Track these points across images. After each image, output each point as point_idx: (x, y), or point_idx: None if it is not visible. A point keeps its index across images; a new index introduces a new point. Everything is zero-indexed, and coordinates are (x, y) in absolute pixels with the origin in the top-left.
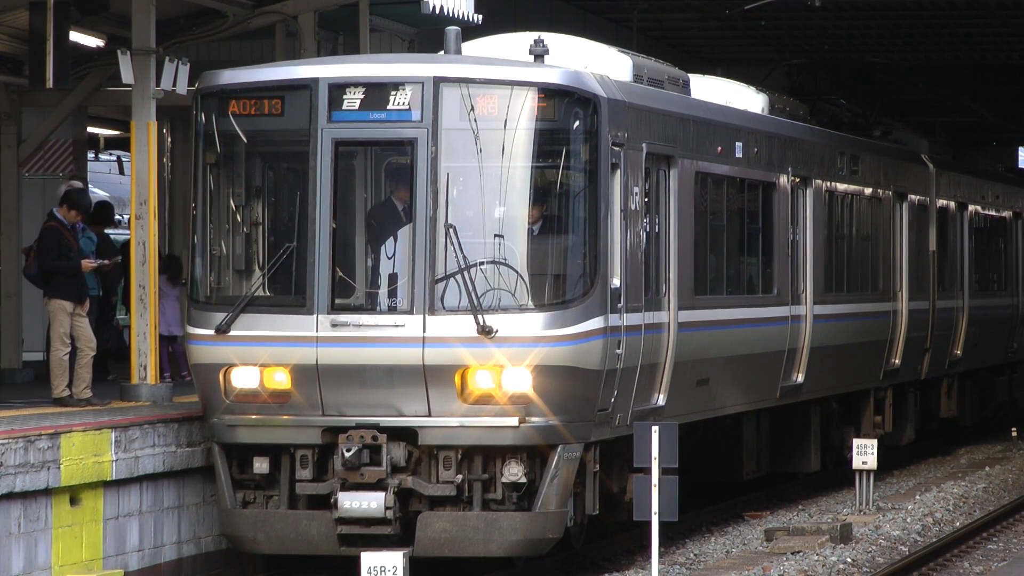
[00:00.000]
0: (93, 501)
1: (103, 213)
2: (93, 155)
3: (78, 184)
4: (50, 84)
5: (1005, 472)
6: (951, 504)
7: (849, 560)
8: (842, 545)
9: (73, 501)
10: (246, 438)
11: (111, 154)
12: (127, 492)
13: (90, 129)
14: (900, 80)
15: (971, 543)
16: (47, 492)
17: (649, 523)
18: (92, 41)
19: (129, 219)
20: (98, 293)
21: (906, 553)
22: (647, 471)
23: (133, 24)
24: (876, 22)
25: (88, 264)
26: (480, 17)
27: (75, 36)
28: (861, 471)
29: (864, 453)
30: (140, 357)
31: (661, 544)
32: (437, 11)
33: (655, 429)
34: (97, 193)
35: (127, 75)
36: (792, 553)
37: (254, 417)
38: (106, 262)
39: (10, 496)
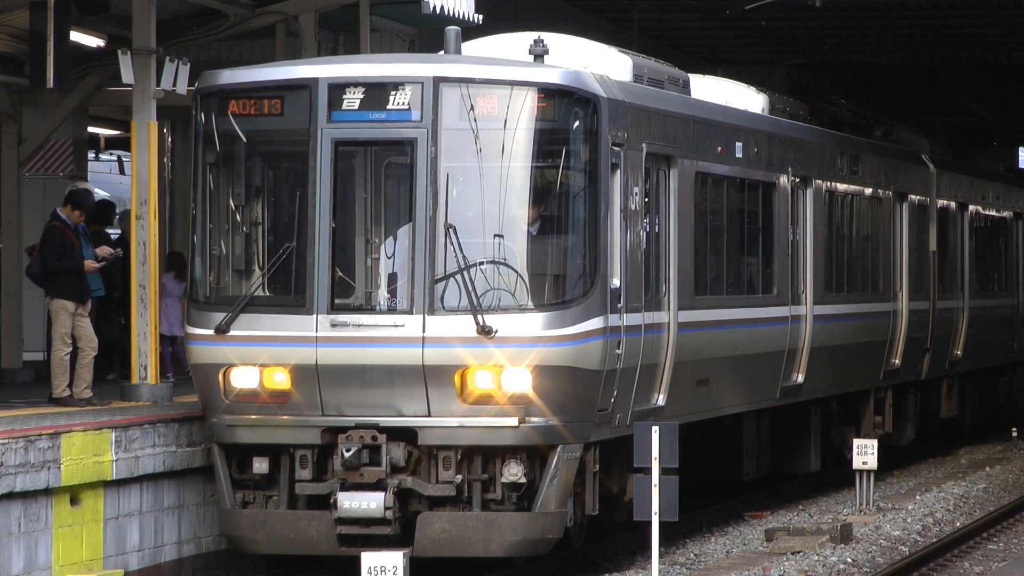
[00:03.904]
0: (93, 501)
1: (102, 212)
2: (93, 155)
3: (83, 184)
4: (50, 84)
5: (1005, 472)
6: (951, 504)
7: (849, 560)
8: (842, 545)
9: (73, 501)
10: (246, 438)
11: (111, 154)
12: (127, 492)
13: (90, 129)
14: (901, 80)
15: (971, 543)
16: (47, 492)
17: (649, 523)
18: (92, 41)
19: (121, 216)
20: (103, 294)
21: (906, 553)
22: (647, 471)
23: (133, 24)
24: (877, 22)
25: (91, 265)
26: (480, 17)
27: (75, 36)
28: (861, 471)
29: (864, 453)
30: (140, 357)
31: (661, 544)
32: (437, 11)
33: (655, 429)
34: (99, 193)
35: (127, 75)
36: (792, 553)
37: (254, 417)
38: (109, 251)
39: (10, 496)
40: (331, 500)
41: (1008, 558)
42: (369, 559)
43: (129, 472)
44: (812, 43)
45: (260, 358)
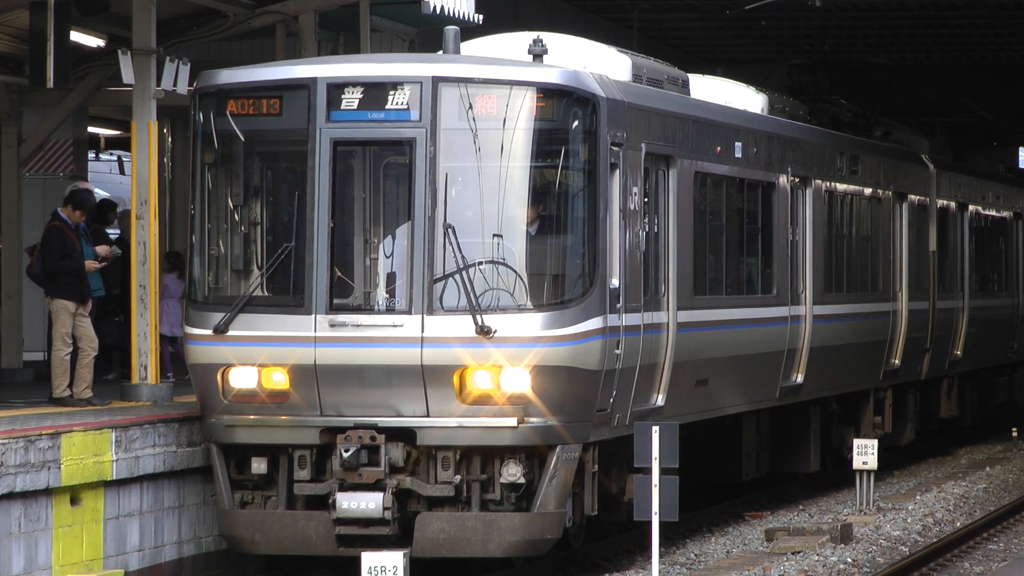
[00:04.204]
0: (93, 501)
1: (100, 212)
2: (94, 155)
3: (84, 184)
4: (51, 84)
5: (1006, 472)
6: (951, 504)
7: (849, 560)
8: (842, 545)
9: (73, 501)
10: (244, 438)
11: (112, 154)
12: (127, 492)
13: (91, 129)
14: (901, 80)
15: (972, 543)
16: (47, 492)
17: (649, 523)
18: (93, 41)
19: (121, 216)
20: (103, 294)
21: (906, 553)
22: (647, 471)
23: (134, 24)
24: (877, 22)
25: (92, 265)
26: (481, 17)
27: (76, 36)
28: (861, 471)
29: (865, 453)
30: (140, 357)
31: (661, 544)
32: (438, 11)
33: (655, 429)
34: (99, 193)
35: (127, 75)
36: (792, 553)
37: (252, 417)
38: (109, 251)
39: (11, 496)
40: (330, 500)
41: (1008, 558)
42: (369, 559)
43: (129, 472)
44: (812, 43)
45: (258, 358)
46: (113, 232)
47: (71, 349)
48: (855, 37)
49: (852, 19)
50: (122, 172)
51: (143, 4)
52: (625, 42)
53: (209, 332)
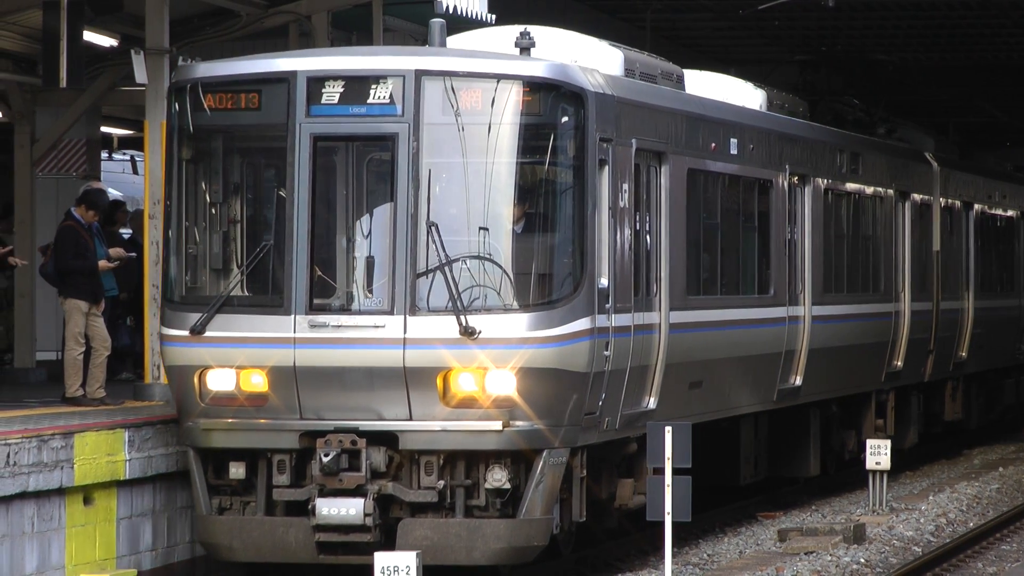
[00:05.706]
0: (106, 500)
1: (110, 213)
2: (107, 155)
3: (97, 184)
4: (63, 84)
5: (1019, 473)
6: (964, 505)
7: (862, 560)
8: (855, 545)
9: (87, 500)
10: (222, 442)
11: (125, 154)
12: (140, 491)
13: (104, 129)
14: (913, 80)
15: (985, 544)
16: (61, 491)
17: (663, 524)
18: (105, 41)
19: (133, 216)
20: (116, 293)
21: (919, 554)
22: (660, 471)
23: (147, 24)
24: (889, 22)
25: (105, 264)
26: (494, 17)
27: (89, 36)
28: (874, 471)
29: (878, 454)
30: (153, 357)
31: (674, 544)
32: (450, 11)
33: (668, 429)
34: (112, 192)
35: (140, 75)
36: (805, 553)
37: (230, 421)
38: (123, 253)
39: (24, 495)
40: (309, 506)
41: (1022, 559)
42: (382, 559)
43: (142, 472)
44: (825, 43)
45: (237, 360)
46: (125, 232)
47: (84, 349)
48: (867, 37)
49: (865, 19)
50: (135, 172)
51: (156, 4)
52: (638, 42)
53: (186, 333)
